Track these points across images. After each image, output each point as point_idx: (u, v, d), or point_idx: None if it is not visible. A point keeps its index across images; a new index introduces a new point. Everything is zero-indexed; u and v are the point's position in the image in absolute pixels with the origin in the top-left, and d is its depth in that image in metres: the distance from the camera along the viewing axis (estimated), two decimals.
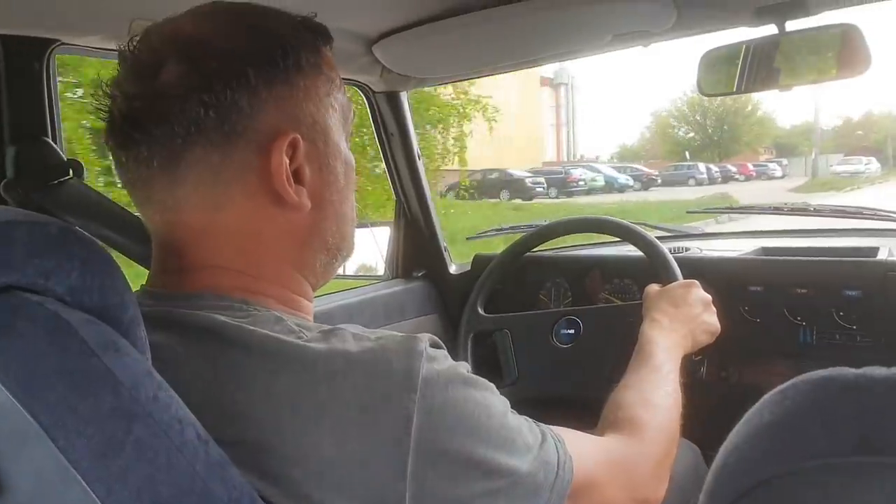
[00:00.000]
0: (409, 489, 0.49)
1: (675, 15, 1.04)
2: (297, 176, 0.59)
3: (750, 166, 34.41)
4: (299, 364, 0.51)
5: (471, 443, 0.52)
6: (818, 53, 1.15)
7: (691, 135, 43.93)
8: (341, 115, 0.64)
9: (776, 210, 1.63)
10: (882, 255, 1.25)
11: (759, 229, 1.71)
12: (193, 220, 0.58)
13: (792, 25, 1.03)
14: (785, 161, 36.33)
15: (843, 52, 1.07)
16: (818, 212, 1.54)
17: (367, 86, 1.42)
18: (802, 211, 1.59)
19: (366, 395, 0.50)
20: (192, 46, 0.56)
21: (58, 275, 0.43)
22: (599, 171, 25.36)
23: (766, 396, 0.30)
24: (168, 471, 0.43)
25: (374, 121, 1.49)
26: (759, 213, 1.63)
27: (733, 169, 33.40)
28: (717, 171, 30.68)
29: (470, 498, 0.51)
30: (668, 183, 27.14)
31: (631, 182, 25.25)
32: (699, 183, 27.29)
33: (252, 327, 0.53)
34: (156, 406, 0.44)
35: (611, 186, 23.78)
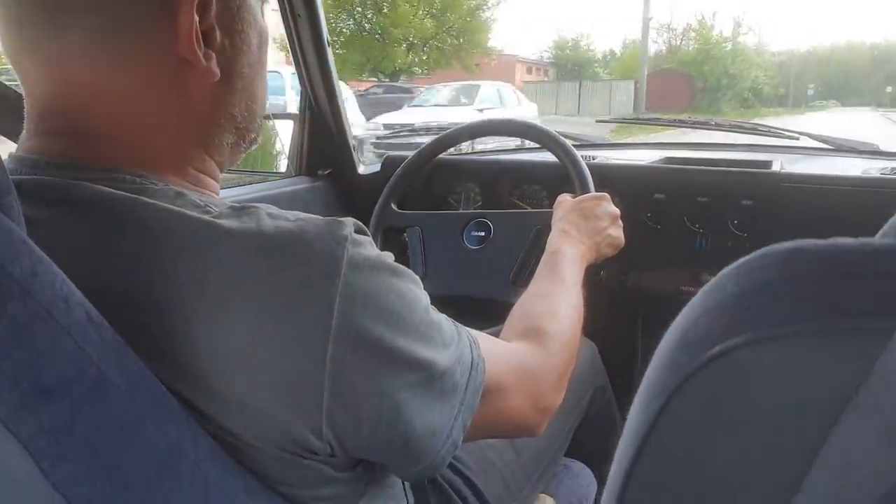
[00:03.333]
0: (328, 378, 0.46)
1: None
2: (206, 39, 0.52)
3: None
4: (206, 242, 0.46)
5: (392, 333, 0.49)
6: None
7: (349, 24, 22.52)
8: None
9: (680, 122, 1.67)
10: (776, 168, 1.31)
11: (662, 141, 1.76)
12: (81, 78, 0.50)
13: None
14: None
15: None
16: (718, 126, 1.60)
17: None
18: (704, 124, 1.65)
19: (283, 279, 0.46)
20: None
21: None
22: None
23: (727, 269, 0.28)
24: (51, 354, 0.37)
25: (280, 0, 1.36)
26: (664, 125, 1.67)
27: None
28: None
29: (390, 389, 0.49)
30: None
31: None
32: None
33: (148, 200, 0.47)
34: (35, 282, 0.38)
35: None
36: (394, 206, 1.31)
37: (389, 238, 1.31)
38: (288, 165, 1.54)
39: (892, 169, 1.28)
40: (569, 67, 40.48)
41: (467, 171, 1.55)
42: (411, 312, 0.51)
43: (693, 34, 34.07)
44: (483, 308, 1.12)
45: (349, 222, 0.50)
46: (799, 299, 0.25)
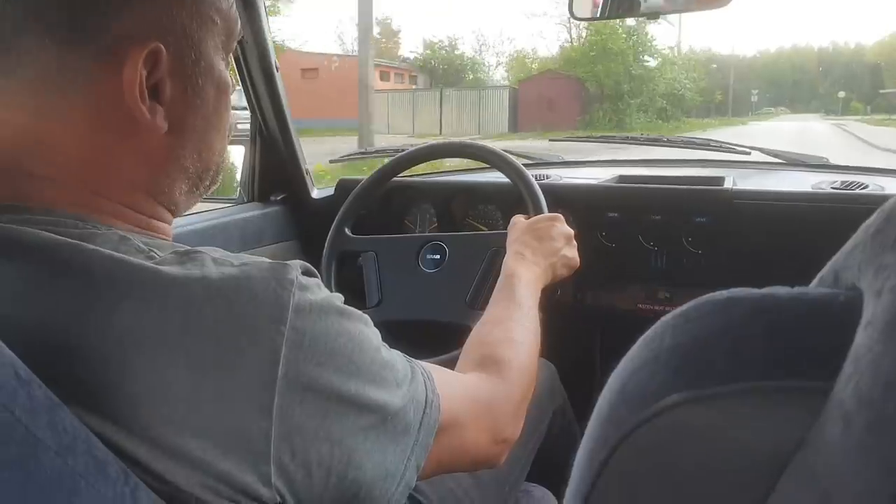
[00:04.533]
0: (276, 427, 0.44)
1: None
2: (155, 92, 0.51)
3: None
4: (149, 291, 0.44)
5: (342, 377, 0.48)
6: None
7: None
8: (223, 29, 0.56)
9: (632, 140, 1.69)
10: (728, 184, 1.33)
11: (615, 158, 1.77)
12: (19, 121, 0.49)
13: None
14: None
15: None
16: (671, 143, 1.62)
17: None
18: (656, 141, 1.67)
19: (227, 327, 0.44)
20: None
21: None
22: None
23: (664, 319, 0.28)
24: None
25: None
26: (616, 143, 1.68)
27: None
28: None
29: (340, 435, 0.48)
30: None
31: None
32: None
33: (90, 246, 0.45)
34: None
35: None
36: (348, 232, 1.29)
37: (344, 264, 1.29)
38: (240, 192, 1.51)
39: (843, 183, 1.30)
40: (440, 72, 31.97)
41: (422, 193, 1.54)
42: (362, 354, 0.50)
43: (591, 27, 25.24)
44: (440, 332, 1.11)
45: (296, 265, 0.49)
46: (735, 356, 0.24)
